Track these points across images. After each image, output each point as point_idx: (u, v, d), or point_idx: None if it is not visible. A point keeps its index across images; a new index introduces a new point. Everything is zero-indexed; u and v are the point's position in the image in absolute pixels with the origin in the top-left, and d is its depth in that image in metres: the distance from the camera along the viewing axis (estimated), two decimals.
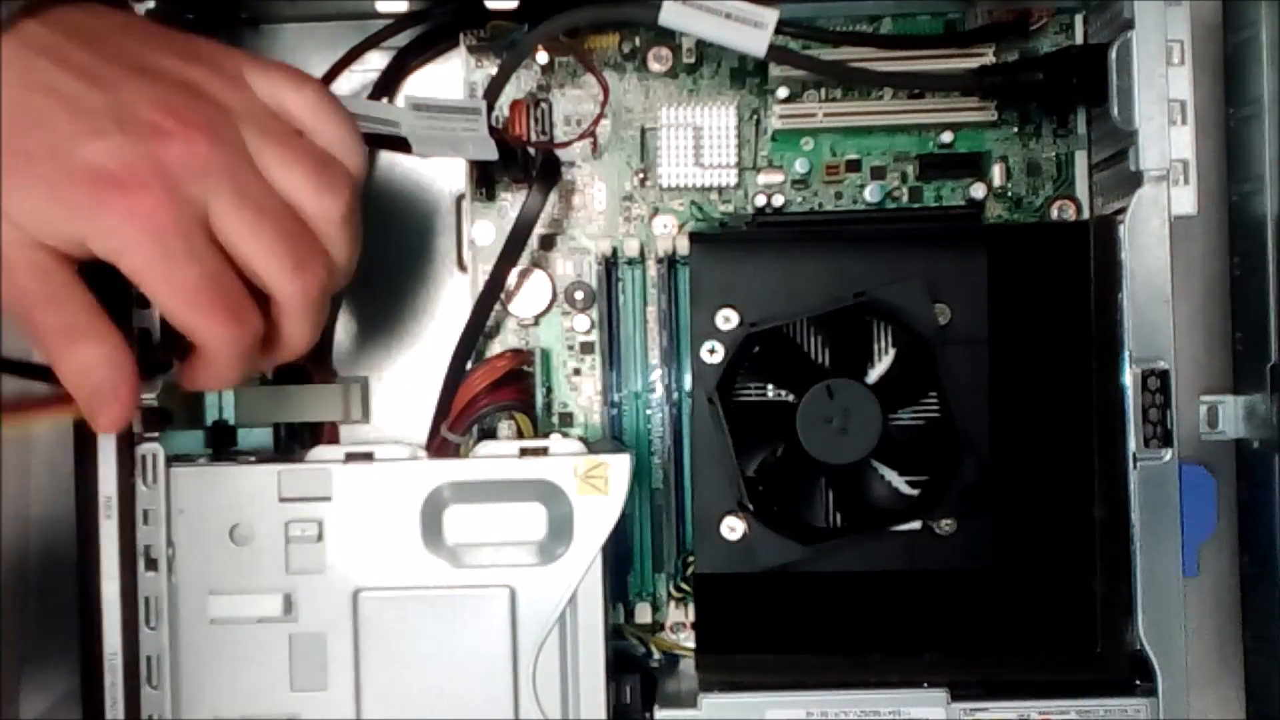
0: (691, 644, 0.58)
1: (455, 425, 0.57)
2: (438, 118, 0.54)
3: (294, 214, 0.45)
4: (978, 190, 0.60)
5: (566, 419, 0.61)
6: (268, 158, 0.44)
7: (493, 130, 0.55)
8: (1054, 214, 0.60)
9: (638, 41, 0.60)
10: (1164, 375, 0.52)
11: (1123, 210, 0.53)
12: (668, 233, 0.60)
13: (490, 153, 0.55)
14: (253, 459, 0.54)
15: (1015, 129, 0.60)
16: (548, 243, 0.61)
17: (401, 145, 0.53)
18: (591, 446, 0.52)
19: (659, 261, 0.59)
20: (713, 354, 0.55)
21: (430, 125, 0.53)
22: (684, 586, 0.59)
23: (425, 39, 0.61)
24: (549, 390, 0.60)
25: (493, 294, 0.58)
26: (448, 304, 0.62)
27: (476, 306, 0.58)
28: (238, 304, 0.44)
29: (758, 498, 0.54)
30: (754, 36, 0.53)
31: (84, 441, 0.50)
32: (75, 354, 0.43)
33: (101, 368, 0.43)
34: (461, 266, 0.62)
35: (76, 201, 0.42)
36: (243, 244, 0.44)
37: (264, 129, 0.45)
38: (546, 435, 0.54)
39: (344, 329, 0.62)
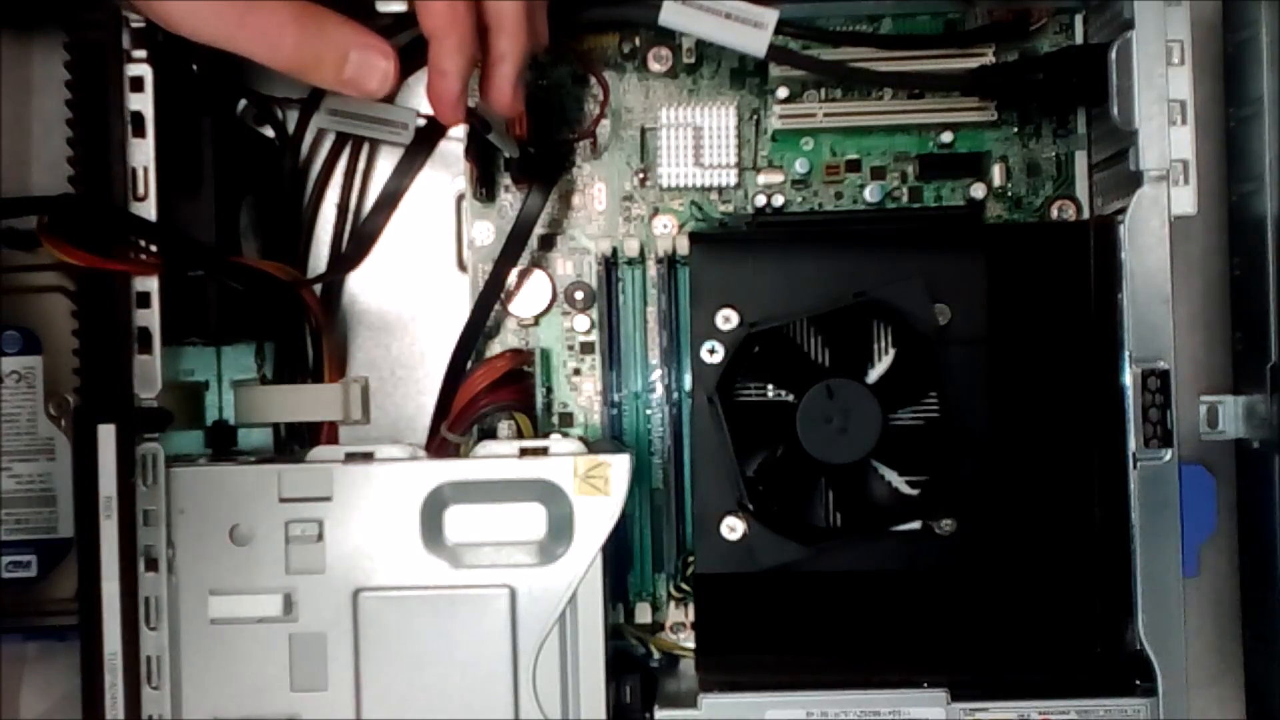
0: (691, 644, 0.58)
1: (455, 425, 0.57)
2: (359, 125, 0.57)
3: None
4: (978, 190, 0.60)
5: (566, 419, 0.61)
6: None
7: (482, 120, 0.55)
8: (1054, 214, 0.60)
9: (638, 41, 0.60)
10: (1164, 375, 0.52)
11: (1123, 210, 0.53)
12: (668, 233, 0.60)
13: (511, 149, 0.56)
14: (253, 459, 0.54)
15: (1015, 129, 0.60)
16: (548, 243, 0.61)
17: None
18: (591, 446, 0.52)
19: (659, 261, 0.59)
20: (713, 354, 0.55)
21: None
22: (684, 586, 0.59)
23: (426, 39, 0.61)
24: (549, 390, 0.60)
25: (493, 294, 0.58)
26: (448, 304, 0.62)
27: (476, 306, 0.58)
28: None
29: (758, 498, 0.54)
30: (754, 36, 0.53)
31: (84, 441, 0.50)
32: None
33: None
34: (461, 266, 0.62)
35: None
36: None
37: None
38: (546, 435, 0.54)
39: (344, 329, 0.62)
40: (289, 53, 0.45)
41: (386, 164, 0.62)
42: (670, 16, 0.53)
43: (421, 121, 0.60)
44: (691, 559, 0.57)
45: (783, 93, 0.59)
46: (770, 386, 0.56)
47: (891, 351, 0.55)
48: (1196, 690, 0.57)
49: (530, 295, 0.60)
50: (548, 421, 0.60)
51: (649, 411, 0.60)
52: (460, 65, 0.47)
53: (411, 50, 0.61)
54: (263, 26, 0.45)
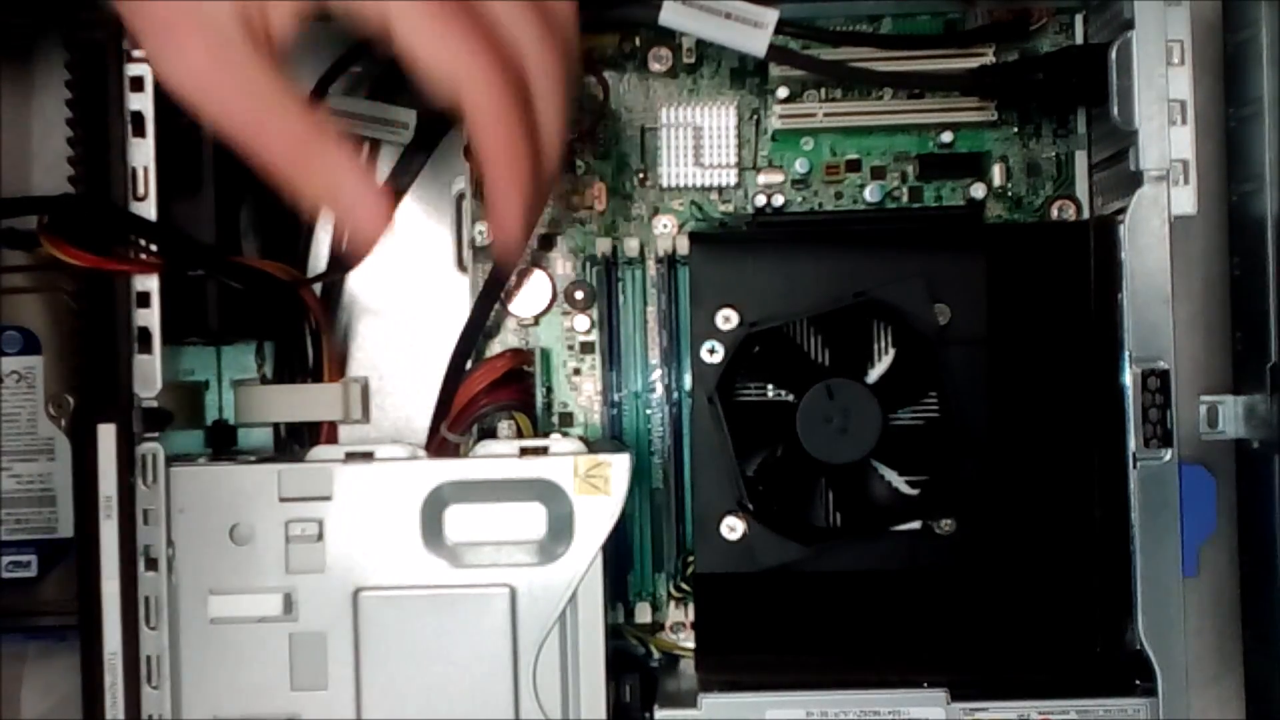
0: (691, 644, 0.58)
1: (455, 425, 0.57)
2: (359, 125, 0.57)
3: None
4: (978, 190, 0.60)
5: (566, 419, 0.61)
6: None
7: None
8: (1054, 214, 0.60)
9: (638, 41, 0.60)
10: (1164, 375, 0.52)
11: (1123, 210, 0.53)
12: (668, 233, 0.60)
13: None
14: (253, 459, 0.54)
15: (1015, 129, 0.60)
16: (548, 243, 0.61)
17: None
18: (591, 446, 0.52)
19: (659, 261, 0.59)
20: (713, 354, 0.55)
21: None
22: (684, 586, 0.59)
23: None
24: (549, 390, 0.60)
25: (493, 294, 0.58)
26: (448, 304, 0.62)
27: (476, 306, 0.58)
28: (495, 45, 0.41)
29: (758, 498, 0.54)
30: (754, 36, 0.53)
31: (84, 441, 0.50)
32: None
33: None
34: (461, 266, 0.62)
35: None
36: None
37: None
38: (546, 435, 0.54)
39: (344, 329, 0.62)
40: (288, 171, 0.43)
41: (386, 164, 0.62)
42: (670, 16, 0.53)
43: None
44: (691, 559, 0.57)
45: (783, 93, 0.59)
46: (770, 386, 0.56)
47: (891, 351, 0.55)
48: (1196, 690, 0.57)
49: (530, 295, 0.60)
50: (548, 421, 0.60)
51: (649, 411, 0.60)
52: (524, 198, 0.44)
53: None
54: (274, 139, 0.42)
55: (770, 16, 0.53)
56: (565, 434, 0.58)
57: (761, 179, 0.61)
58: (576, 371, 0.61)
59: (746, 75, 0.60)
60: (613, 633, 0.54)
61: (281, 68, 0.41)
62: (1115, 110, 0.53)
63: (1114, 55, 0.54)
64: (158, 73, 0.44)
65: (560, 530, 0.51)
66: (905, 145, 0.60)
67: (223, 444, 0.60)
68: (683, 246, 0.57)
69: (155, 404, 0.51)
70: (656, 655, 0.60)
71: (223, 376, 0.61)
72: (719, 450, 0.54)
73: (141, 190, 0.51)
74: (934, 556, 0.55)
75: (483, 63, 0.41)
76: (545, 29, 0.43)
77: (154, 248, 0.51)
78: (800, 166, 0.60)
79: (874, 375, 0.55)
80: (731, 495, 0.55)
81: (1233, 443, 0.59)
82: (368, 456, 0.52)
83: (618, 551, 0.58)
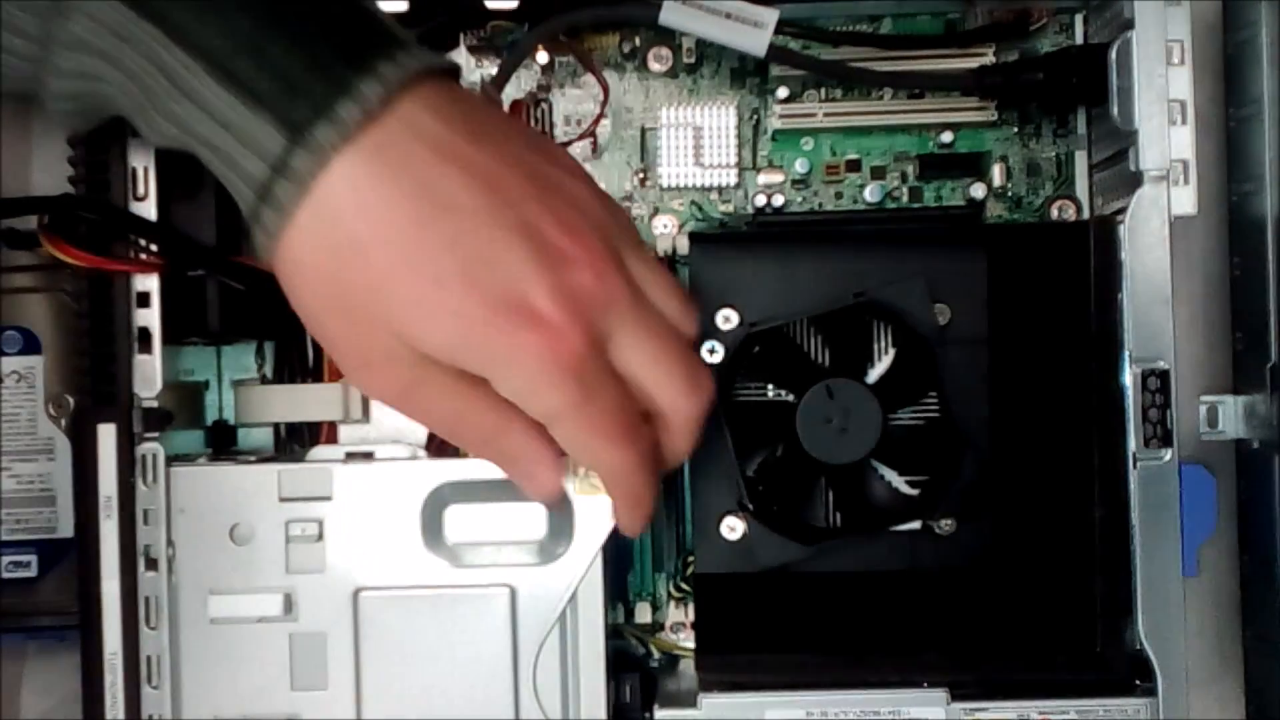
0: (691, 644, 0.58)
1: None
2: None
3: (679, 331, 0.45)
4: (978, 190, 0.60)
5: None
6: (643, 272, 0.44)
7: None
8: (1054, 214, 0.60)
9: (638, 41, 0.60)
10: (1164, 375, 0.52)
11: (1123, 210, 0.53)
12: (668, 233, 0.60)
13: None
14: (253, 459, 0.54)
15: (1015, 129, 0.60)
16: None
17: None
18: None
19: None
20: (713, 354, 0.55)
21: None
22: (684, 586, 0.59)
23: (425, 39, 0.61)
24: None
25: None
26: None
27: None
28: (636, 426, 0.44)
29: (758, 498, 0.54)
30: (754, 36, 0.53)
31: (84, 441, 0.50)
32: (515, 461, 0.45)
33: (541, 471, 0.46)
34: None
35: (489, 337, 0.40)
36: (644, 372, 0.43)
37: (632, 240, 0.44)
38: None
39: None
40: (462, 435, 0.46)
41: None
42: (670, 16, 0.53)
43: None
44: (691, 559, 0.57)
45: (783, 93, 0.59)
46: (770, 386, 0.56)
47: (891, 351, 0.55)
48: (1196, 690, 0.57)
49: None
50: None
51: None
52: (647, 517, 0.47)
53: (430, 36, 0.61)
54: (469, 429, 0.45)
55: (770, 16, 0.53)
56: None
57: (761, 179, 0.61)
58: None
59: (746, 75, 0.60)
60: (613, 633, 0.54)
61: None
62: (1115, 110, 0.53)
63: (1114, 55, 0.54)
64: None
65: (560, 530, 0.51)
66: (905, 145, 0.60)
67: (223, 444, 0.60)
68: (683, 246, 0.57)
69: (155, 404, 0.51)
70: (656, 655, 0.60)
71: (223, 376, 0.61)
72: (719, 450, 0.54)
73: (141, 190, 0.51)
74: (934, 556, 0.55)
75: (628, 458, 0.44)
76: (696, 406, 0.45)
77: (154, 248, 0.51)
78: (800, 166, 0.60)
79: (874, 375, 0.55)
80: (731, 495, 0.55)
81: (1233, 443, 0.59)
82: (368, 456, 0.52)
83: (618, 551, 0.58)
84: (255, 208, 0.40)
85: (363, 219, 0.39)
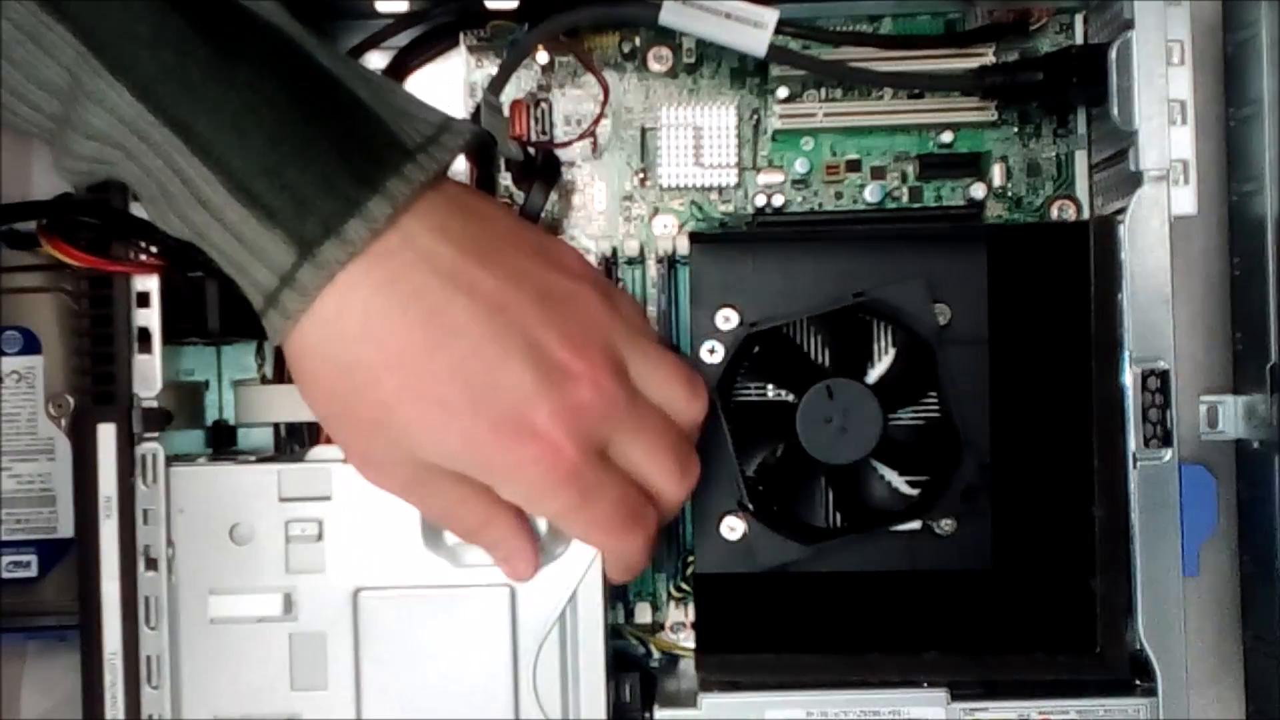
0: (691, 644, 0.58)
1: None
2: None
3: (674, 423, 0.47)
4: (978, 190, 0.60)
5: None
6: (645, 370, 0.46)
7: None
8: (1054, 214, 0.60)
9: (638, 41, 0.60)
10: (1164, 375, 0.52)
11: (1123, 210, 0.53)
12: (668, 233, 0.60)
13: (511, 151, 0.57)
14: (253, 459, 0.54)
15: (1015, 129, 0.60)
16: None
17: None
18: None
19: (659, 261, 0.59)
20: (713, 354, 0.54)
21: None
22: (684, 586, 0.59)
23: (425, 39, 0.61)
24: None
25: None
26: None
27: None
28: (641, 513, 0.47)
29: (758, 498, 0.54)
30: (754, 36, 0.53)
31: (84, 441, 0.50)
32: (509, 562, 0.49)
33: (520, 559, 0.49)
34: None
35: (493, 454, 0.43)
36: (640, 464, 0.46)
37: (636, 336, 0.46)
38: None
39: None
40: (451, 526, 0.50)
41: None
42: (670, 16, 0.53)
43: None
44: (691, 559, 0.57)
45: (783, 93, 0.59)
46: (770, 386, 0.56)
47: (891, 351, 0.55)
48: (1196, 690, 0.57)
49: None
50: None
51: None
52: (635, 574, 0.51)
53: (412, 50, 0.61)
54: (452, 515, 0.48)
55: (770, 16, 0.53)
56: None
57: (761, 179, 0.61)
58: None
59: (746, 75, 0.60)
60: (613, 633, 0.54)
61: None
62: (1115, 110, 0.53)
63: (1114, 55, 0.54)
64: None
65: (560, 530, 0.51)
66: (905, 145, 0.60)
67: (223, 444, 0.60)
68: (683, 246, 0.57)
69: (155, 404, 0.51)
70: (656, 655, 0.60)
71: (223, 376, 0.61)
72: (719, 450, 0.54)
73: None
74: (934, 556, 0.55)
75: (626, 545, 0.48)
76: (684, 490, 0.48)
77: (154, 248, 0.51)
78: (800, 166, 0.60)
79: (874, 375, 0.55)
80: (731, 495, 0.55)
81: (1233, 443, 0.59)
82: None
83: None
84: (264, 310, 0.42)
85: (372, 344, 0.42)
